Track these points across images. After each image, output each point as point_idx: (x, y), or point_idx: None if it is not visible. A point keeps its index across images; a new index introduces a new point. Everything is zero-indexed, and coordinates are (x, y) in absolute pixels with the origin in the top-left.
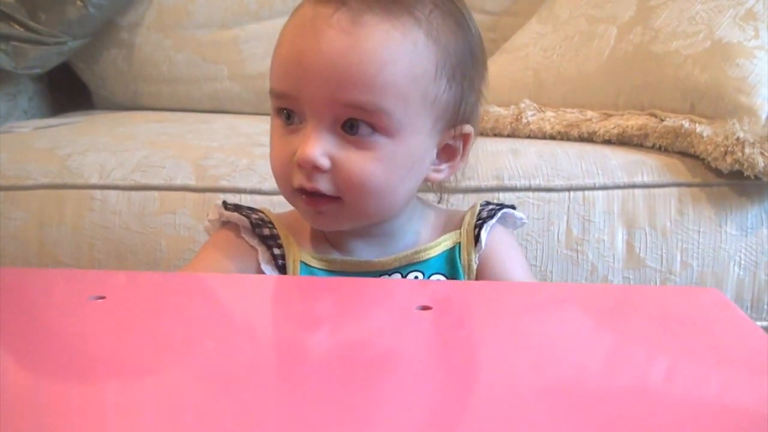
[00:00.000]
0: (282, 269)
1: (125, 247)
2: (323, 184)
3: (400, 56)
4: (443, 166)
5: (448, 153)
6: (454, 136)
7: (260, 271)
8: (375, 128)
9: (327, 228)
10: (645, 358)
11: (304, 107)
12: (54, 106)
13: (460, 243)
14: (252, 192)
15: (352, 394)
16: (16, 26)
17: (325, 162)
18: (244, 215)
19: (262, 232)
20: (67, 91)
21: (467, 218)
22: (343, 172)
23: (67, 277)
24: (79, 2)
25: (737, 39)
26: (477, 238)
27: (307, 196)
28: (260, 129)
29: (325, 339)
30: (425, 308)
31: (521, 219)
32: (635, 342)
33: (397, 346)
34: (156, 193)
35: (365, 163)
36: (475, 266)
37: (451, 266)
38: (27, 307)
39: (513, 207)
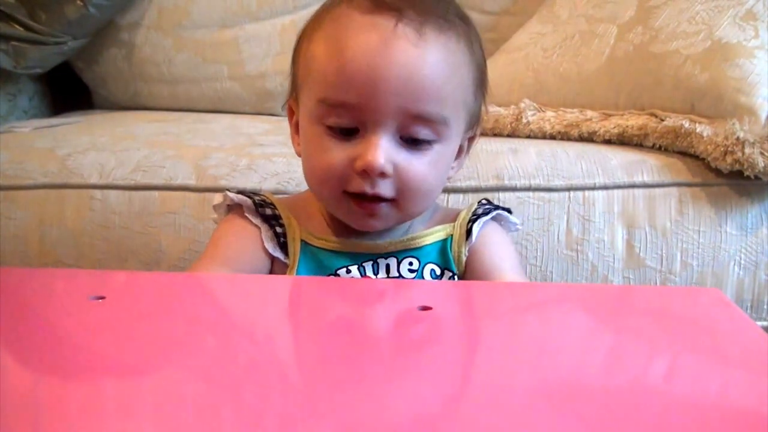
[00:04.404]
0: (283, 247)
1: (125, 247)
2: (385, 189)
3: (456, 67)
4: (455, 164)
5: (458, 152)
6: (467, 138)
7: (265, 250)
8: (432, 134)
9: (372, 228)
10: (645, 358)
11: (366, 116)
12: (54, 106)
13: (452, 235)
14: (252, 192)
15: (353, 394)
16: (16, 26)
17: (390, 169)
18: (247, 196)
19: (265, 212)
20: (67, 91)
21: (462, 214)
22: (404, 176)
23: (67, 277)
24: (79, 2)
25: (737, 39)
26: (469, 232)
27: (362, 201)
28: (260, 129)
29: (326, 339)
30: (426, 308)
31: (515, 225)
32: (635, 342)
33: (398, 347)
34: (156, 193)
35: (423, 167)
36: (464, 258)
37: (443, 257)
38: (27, 307)
39: (509, 211)
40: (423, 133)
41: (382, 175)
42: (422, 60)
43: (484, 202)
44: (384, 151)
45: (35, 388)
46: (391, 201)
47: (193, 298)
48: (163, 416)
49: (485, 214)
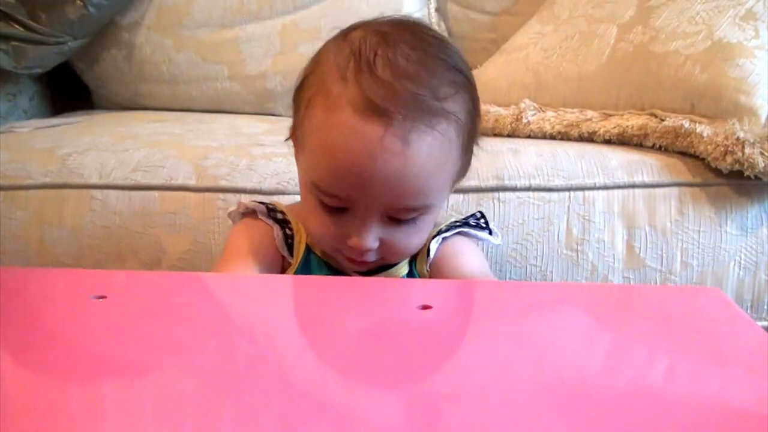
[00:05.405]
0: (290, 248)
1: (125, 247)
2: (372, 256)
3: (441, 161)
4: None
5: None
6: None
7: (277, 247)
8: (417, 214)
9: (360, 270)
10: (645, 357)
11: (355, 205)
12: (54, 106)
13: (417, 254)
14: (252, 192)
15: (354, 393)
16: (16, 26)
17: (376, 245)
18: (260, 203)
19: (276, 216)
20: (67, 91)
21: (431, 231)
22: (390, 247)
23: (67, 277)
24: (79, 2)
25: (737, 39)
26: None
27: (353, 259)
28: (260, 129)
29: (327, 338)
30: (426, 308)
31: (487, 242)
32: (635, 342)
33: (398, 345)
34: (156, 193)
35: (408, 237)
36: (427, 275)
37: (411, 275)
38: (27, 307)
39: (490, 232)
40: (409, 215)
41: (369, 250)
42: (404, 168)
43: (462, 219)
44: (371, 232)
45: (36, 387)
46: (379, 260)
47: (193, 298)
48: (164, 416)
49: (448, 229)
